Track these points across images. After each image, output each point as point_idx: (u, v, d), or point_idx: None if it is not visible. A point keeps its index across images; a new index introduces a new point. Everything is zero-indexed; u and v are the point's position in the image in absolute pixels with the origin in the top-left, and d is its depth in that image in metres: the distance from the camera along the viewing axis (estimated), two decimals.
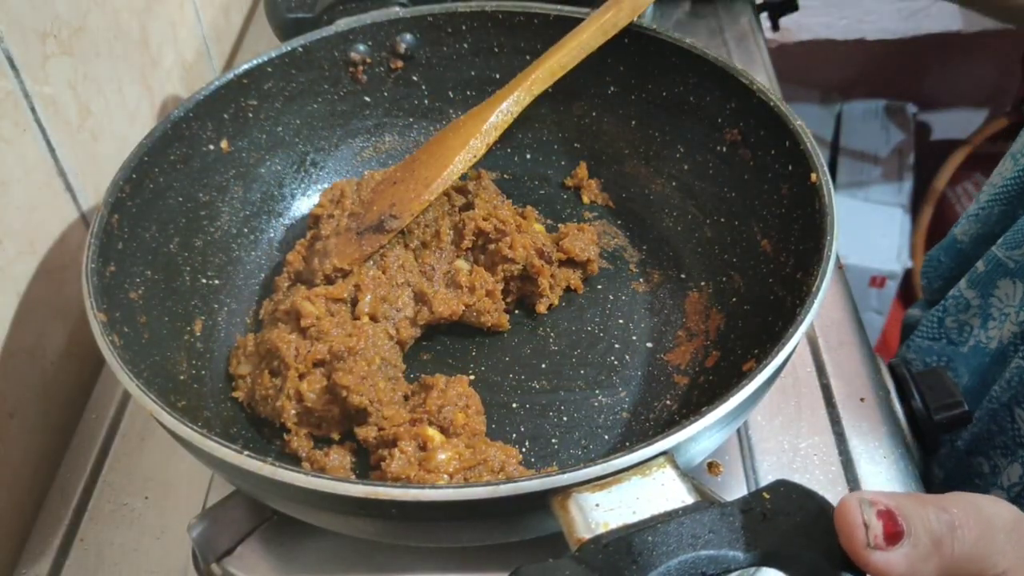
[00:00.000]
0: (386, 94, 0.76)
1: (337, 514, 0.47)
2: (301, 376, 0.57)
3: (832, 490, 0.59)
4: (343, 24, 0.73)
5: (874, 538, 0.35)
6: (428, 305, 0.63)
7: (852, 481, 0.60)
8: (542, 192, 0.77)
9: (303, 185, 0.75)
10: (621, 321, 0.66)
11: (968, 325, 0.68)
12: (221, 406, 0.61)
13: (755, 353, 0.60)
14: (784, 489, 0.38)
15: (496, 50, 0.75)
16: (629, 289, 0.69)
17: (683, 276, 0.69)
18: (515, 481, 0.41)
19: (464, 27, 0.74)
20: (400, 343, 0.62)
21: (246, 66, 0.68)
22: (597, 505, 0.40)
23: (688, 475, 0.42)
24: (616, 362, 0.64)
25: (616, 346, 0.65)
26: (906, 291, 1.69)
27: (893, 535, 0.36)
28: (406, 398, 0.59)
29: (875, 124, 1.76)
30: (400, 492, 0.41)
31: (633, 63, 0.71)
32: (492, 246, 0.66)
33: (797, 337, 0.48)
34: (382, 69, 0.75)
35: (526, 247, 0.65)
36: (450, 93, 0.77)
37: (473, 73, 0.76)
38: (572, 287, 0.68)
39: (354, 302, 0.62)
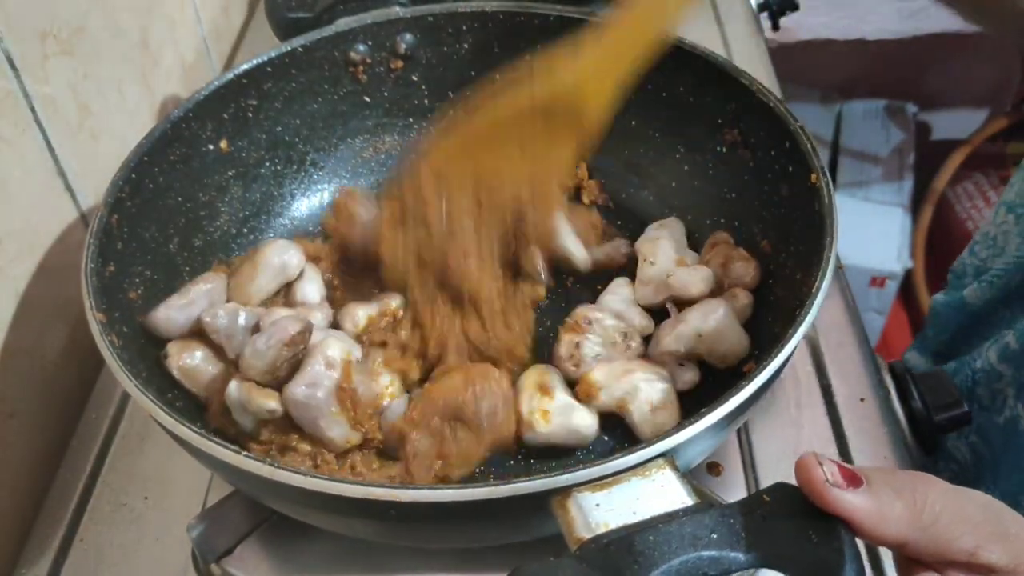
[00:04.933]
0: (386, 94, 0.76)
1: (336, 514, 0.47)
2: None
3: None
4: (343, 24, 0.73)
5: (831, 475, 0.36)
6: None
7: None
8: None
9: (303, 185, 0.75)
10: None
11: (1002, 394, 0.68)
12: None
13: (755, 354, 0.60)
14: (784, 491, 0.38)
15: (496, 50, 0.75)
16: None
17: None
18: (515, 481, 0.41)
19: (464, 27, 0.74)
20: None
21: (246, 66, 0.68)
22: (597, 505, 0.40)
23: (688, 476, 0.42)
24: None
25: None
26: (906, 291, 1.69)
27: (851, 478, 0.36)
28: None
29: (875, 124, 1.76)
30: (398, 493, 0.42)
31: None
32: None
33: (796, 339, 0.48)
34: (382, 69, 0.75)
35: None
36: (450, 93, 0.77)
37: (473, 73, 0.76)
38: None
39: None
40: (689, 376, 0.60)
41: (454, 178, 0.60)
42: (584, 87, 0.57)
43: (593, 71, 0.57)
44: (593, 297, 0.66)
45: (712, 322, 0.59)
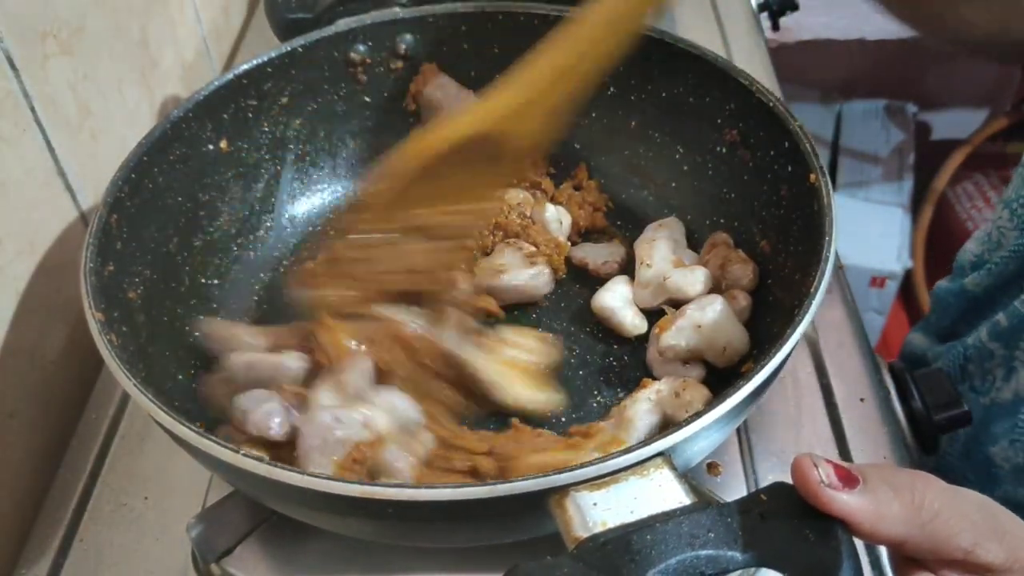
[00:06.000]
0: (386, 94, 0.76)
1: (335, 514, 0.47)
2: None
3: None
4: (343, 24, 0.73)
5: (827, 476, 0.36)
6: None
7: None
8: None
9: (303, 185, 0.75)
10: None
11: (991, 375, 0.69)
12: None
13: (753, 354, 0.60)
14: (782, 491, 0.38)
15: (496, 50, 0.75)
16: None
17: None
18: (512, 481, 0.41)
19: (464, 27, 0.74)
20: None
21: (246, 66, 0.69)
22: (595, 504, 0.40)
23: (686, 476, 0.42)
24: (615, 363, 0.64)
25: (615, 347, 0.65)
26: (906, 291, 1.69)
27: (847, 478, 0.36)
28: None
29: (875, 124, 1.76)
30: (396, 492, 0.42)
31: (632, 63, 0.71)
32: None
33: (795, 339, 0.48)
34: (382, 69, 0.75)
35: None
36: None
37: (473, 73, 0.76)
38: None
39: None
40: (695, 373, 0.60)
41: (393, 213, 0.59)
42: (513, 124, 0.57)
43: (515, 108, 0.57)
44: (590, 295, 0.66)
45: (710, 314, 0.59)
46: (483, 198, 0.62)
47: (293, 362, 0.57)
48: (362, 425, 0.51)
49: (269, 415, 0.53)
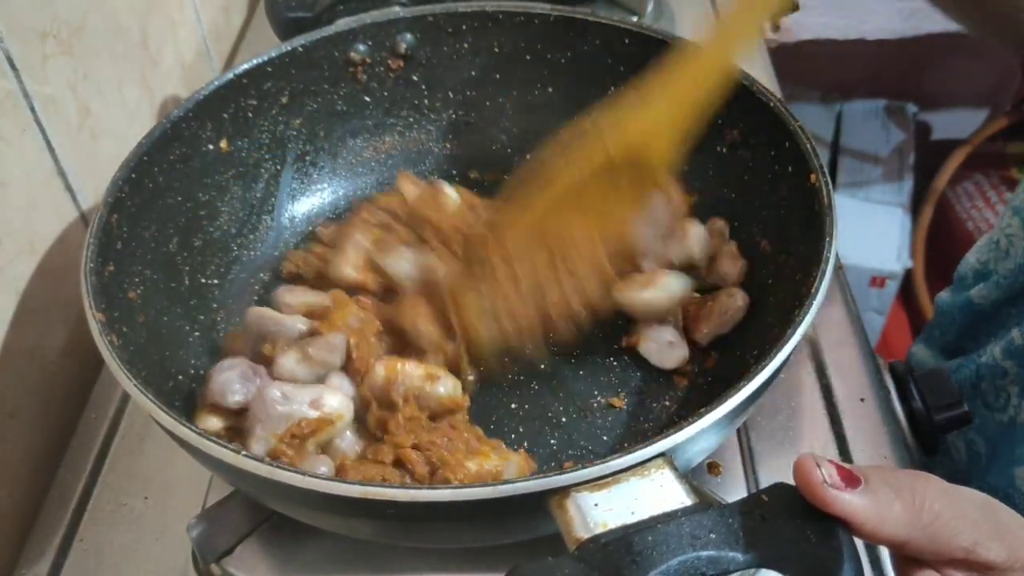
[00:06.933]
0: (386, 94, 0.76)
1: (335, 515, 0.47)
2: None
3: None
4: (343, 24, 0.73)
5: (829, 476, 0.36)
6: None
7: None
8: None
9: (303, 185, 0.75)
10: (620, 322, 0.66)
11: (1005, 392, 0.68)
12: None
13: (754, 355, 0.60)
14: (783, 491, 0.38)
15: (496, 50, 0.75)
16: None
17: None
18: (513, 482, 0.41)
19: (464, 27, 0.74)
20: None
21: (246, 66, 0.68)
22: (596, 505, 0.40)
23: (687, 477, 0.42)
24: (615, 363, 0.64)
25: (615, 347, 0.65)
26: (906, 291, 1.69)
27: (849, 478, 0.36)
28: None
29: (875, 124, 1.76)
30: (397, 492, 0.42)
31: (634, 64, 0.71)
32: None
33: (795, 339, 0.48)
34: (382, 69, 0.75)
35: None
36: (450, 93, 0.77)
37: (473, 73, 0.76)
38: None
39: None
40: (679, 352, 0.62)
41: (526, 249, 0.59)
42: (654, 140, 0.56)
43: (662, 122, 0.56)
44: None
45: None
46: (616, 220, 0.60)
47: (295, 323, 0.59)
48: (309, 404, 0.53)
49: (227, 383, 0.55)
